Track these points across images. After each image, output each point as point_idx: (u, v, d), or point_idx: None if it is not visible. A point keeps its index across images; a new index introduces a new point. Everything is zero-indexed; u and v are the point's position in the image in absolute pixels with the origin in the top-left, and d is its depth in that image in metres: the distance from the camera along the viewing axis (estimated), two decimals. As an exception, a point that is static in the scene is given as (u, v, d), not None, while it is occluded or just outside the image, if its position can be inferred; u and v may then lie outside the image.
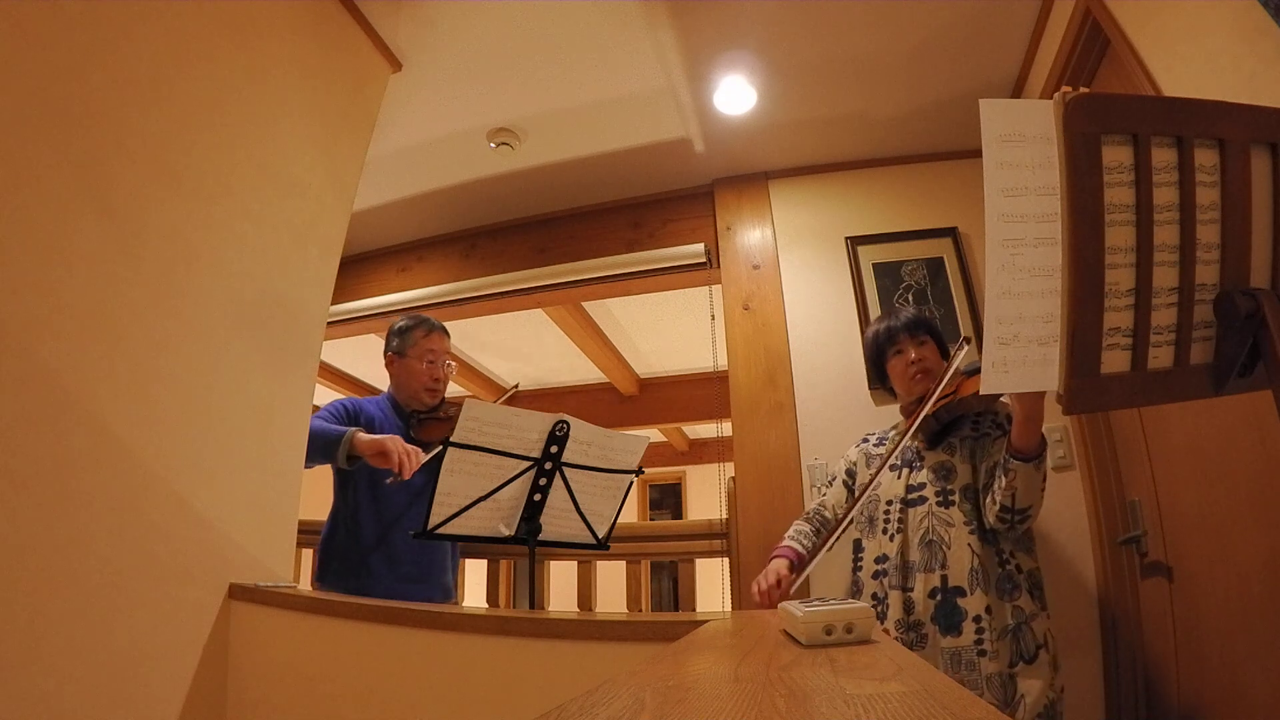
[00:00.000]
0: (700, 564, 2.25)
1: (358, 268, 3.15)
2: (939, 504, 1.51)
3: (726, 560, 2.23)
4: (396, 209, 2.91)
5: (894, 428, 1.77)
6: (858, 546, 1.66)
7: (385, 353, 2.09)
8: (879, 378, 1.78)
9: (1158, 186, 0.75)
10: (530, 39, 2.04)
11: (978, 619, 1.40)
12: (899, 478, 1.60)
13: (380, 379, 5.08)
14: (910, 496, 1.55)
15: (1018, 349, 0.82)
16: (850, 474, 1.77)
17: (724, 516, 2.26)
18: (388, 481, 1.68)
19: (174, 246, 1.38)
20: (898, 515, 1.55)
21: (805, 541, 1.69)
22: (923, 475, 1.56)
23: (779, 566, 1.59)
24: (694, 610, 2.03)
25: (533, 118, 2.39)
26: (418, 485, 1.82)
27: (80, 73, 1.22)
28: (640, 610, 2.12)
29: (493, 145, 2.49)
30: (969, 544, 1.45)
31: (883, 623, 1.50)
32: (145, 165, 1.33)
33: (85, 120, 1.22)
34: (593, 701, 0.43)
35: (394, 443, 1.70)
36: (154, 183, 1.34)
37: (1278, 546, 1.25)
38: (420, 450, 1.72)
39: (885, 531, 1.57)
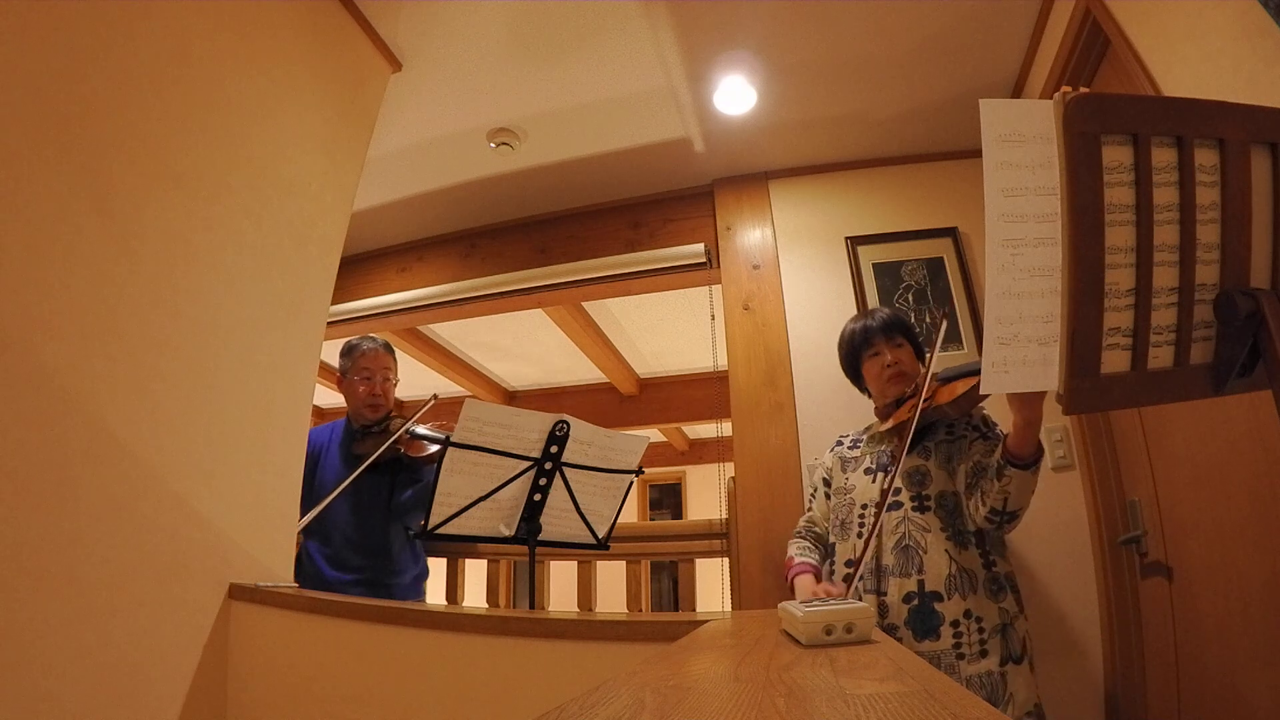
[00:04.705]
0: (700, 564, 2.25)
1: (358, 268, 3.15)
2: (915, 509, 1.51)
3: (726, 560, 2.23)
4: (396, 209, 2.91)
5: (867, 429, 1.76)
6: (831, 550, 1.66)
7: (337, 375, 2.21)
8: (853, 378, 1.77)
9: (1158, 186, 0.75)
10: (530, 39, 2.04)
11: (955, 623, 1.40)
12: (874, 481, 1.60)
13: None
14: (886, 501, 1.53)
15: (1018, 349, 0.82)
16: (827, 482, 1.76)
17: (724, 516, 2.26)
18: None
19: (174, 246, 1.37)
20: (872, 519, 1.53)
21: (814, 556, 1.68)
22: (897, 480, 1.54)
23: (809, 584, 1.56)
24: (694, 610, 2.03)
25: (533, 118, 2.39)
26: (354, 501, 2.00)
27: (80, 73, 1.22)
28: (640, 610, 2.12)
29: (493, 145, 2.49)
30: (945, 549, 1.45)
31: None
32: (145, 165, 1.33)
33: (85, 120, 1.22)
34: (593, 701, 0.43)
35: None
36: (154, 183, 1.34)
37: (1277, 546, 1.25)
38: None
39: (860, 535, 1.56)
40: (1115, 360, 0.76)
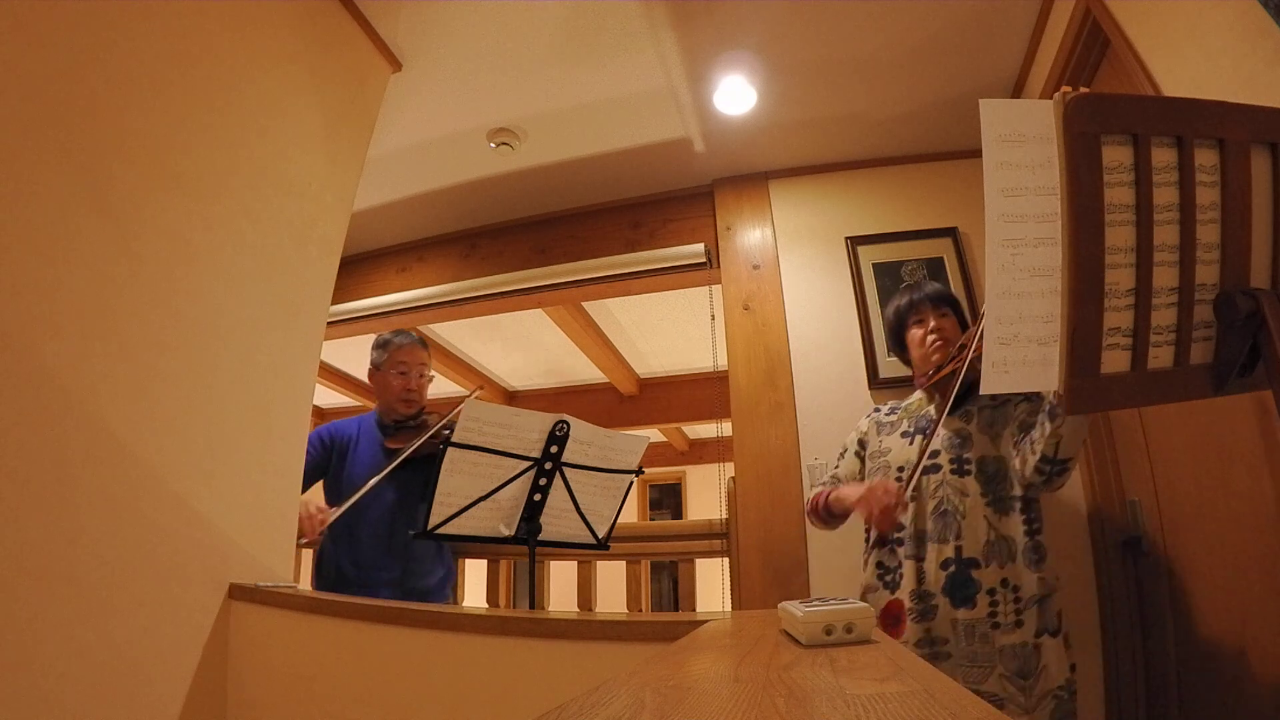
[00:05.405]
0: (700, 564, 2.25)
1: (358, 268, 3.15)
2: (954, 472, 1.48)
3: (726, 560, 2.23)
4: (396, 209, 2.91)
5: (906, 400, 1.74)
6: None
7: (368, 368, 2.16)
8: (896, 347, 1.77)
9: (1158, 186, 0.75)
10: (530, 39, 2.04)
11: (992, 591, 1.38)
12: (910, 444, 1.57)
13: (380, 379, 5.09)
14: (925, 464, 1.50)
15: (1018, 349, 0.82)
16: (862, 444, 1.72)
17: (724, 516, 2.26)
18: (301, 543, 1.73)
19: (174, 246, 1.37)
20: (909, 478, 1.49)
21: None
22: (938, 442, 1.52)
23: (849, 489, 1.54)
24: (694, 610, 2.03)
25: (533, 118, 2.39)
26: (390, 499, 1.96)
27: (80, 73, 1.22)
28: (640, 610, 2.12)
29: (493, 145, 2.49)
30: (984, 515, 1.43)
31: (894, 593, 1.47)
32: (145, 165, 1.33)
33: (85, 120, 1.22)
34: (593, 701, 0.43)
35: (303, 508, 1.74)
36: (154, 183, 1.34)
37: (1277, 546, 1.25)
38: (327, 509, 1.79)
39: None
40: (1115, 360, 0.76)
